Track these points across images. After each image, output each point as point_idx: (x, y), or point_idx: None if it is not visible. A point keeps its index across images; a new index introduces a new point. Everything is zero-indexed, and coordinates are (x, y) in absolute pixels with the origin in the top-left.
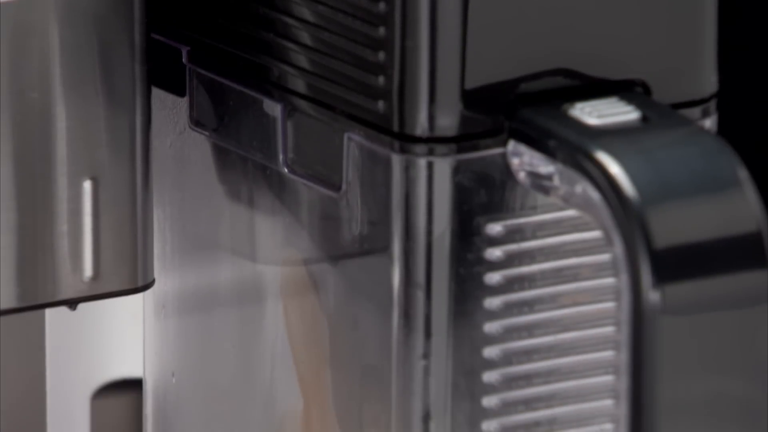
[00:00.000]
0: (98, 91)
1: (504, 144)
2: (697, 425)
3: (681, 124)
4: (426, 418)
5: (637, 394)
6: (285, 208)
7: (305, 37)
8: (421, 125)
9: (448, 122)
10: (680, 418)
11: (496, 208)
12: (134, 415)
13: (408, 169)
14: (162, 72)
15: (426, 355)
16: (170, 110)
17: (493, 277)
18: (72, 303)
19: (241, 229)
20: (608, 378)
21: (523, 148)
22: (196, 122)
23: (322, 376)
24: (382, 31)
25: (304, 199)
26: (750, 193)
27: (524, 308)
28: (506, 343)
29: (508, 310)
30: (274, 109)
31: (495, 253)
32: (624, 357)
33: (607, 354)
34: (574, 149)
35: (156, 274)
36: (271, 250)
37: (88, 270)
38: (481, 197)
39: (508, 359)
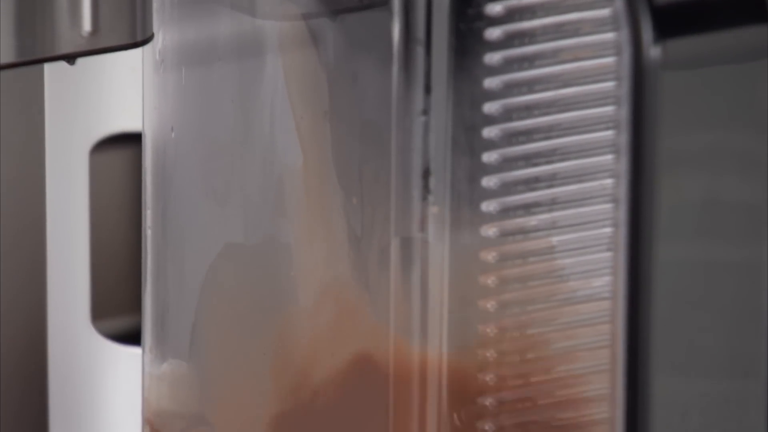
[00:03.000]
0: None
1: None
2: (696, 177)
3: None
4: (425, 174)
5: (637, 148)
6: None
7: None
8: None
9: None
10: (680, 170)
11: None
12: (133, 169)
13: None
14: None
15: (426, 111)
16: None
17: (494, 33)
18: (71, 57)
19: None
20: (609, 133)
21: None
22: None
23: (321, 132)
24: None
25: None
26: None
27: (524, 64)
28: (506, 98)
29: (508, 65)
30: None
31: (495, 8)
32: (625, 112)
33: (608, 109)
34: None
35: (155, 29)
36: (270, 4)
37: (86, 24)
38: None
39: (508, 115)
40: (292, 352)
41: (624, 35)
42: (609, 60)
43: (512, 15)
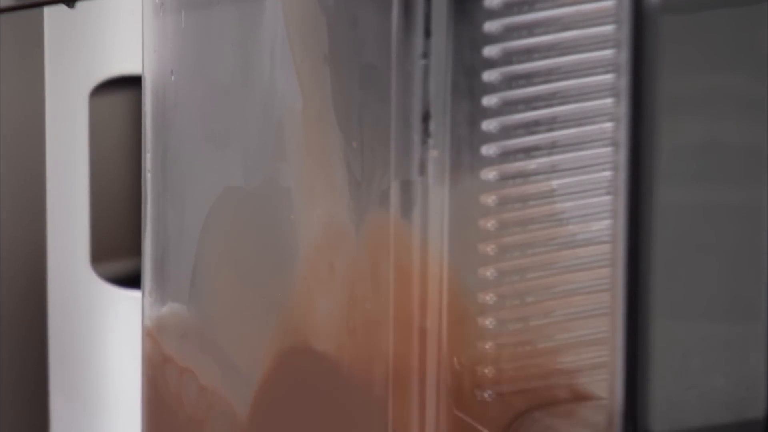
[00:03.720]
0: None
1: None
2: (696, 120)
3: None
4: (425, 117)
5: (637, 91)
6: None
7: None
8: None
9: None
10: (680, 113)
11: None
12: (133, 112)
13: None
14: None
15: (425, 54)
16: None
17: None
18: (70, 1)
19: None
20: (608, 77)
21: None
22: None
23: (320, 76)
24: None
25: None
26: None
27: (524, 7)
28: (506, 41)
29: (508, 8)
30: None
31: None
32: (624, 55)
33: (608, 53)
34: None
35: None
36: None
37: None
38: None
39: (508, 58)
40: (291, 295)
41: None
42: (609, 3)
43: None
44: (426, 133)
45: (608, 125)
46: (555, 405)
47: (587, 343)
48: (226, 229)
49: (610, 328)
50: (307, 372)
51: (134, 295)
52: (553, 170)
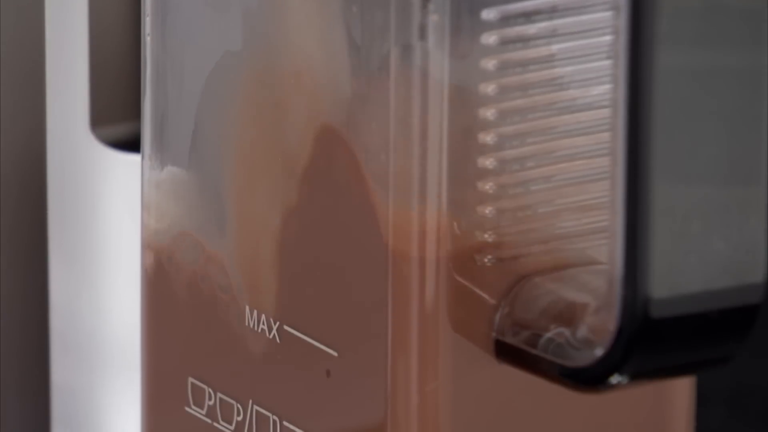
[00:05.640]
0: None
1: None
2: (697, 26)
3: None
4: (425, 1)
5: None
6: None
7: None
8: None
9: None
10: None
11: None
12: None
13: None
14: None
15: None
16: None
17: None
18: None
19: None
20: None
21: None
22: None
23: None
24: None
25: None
26: None
27: None
28: None
29: None
30: None
31: None
32: None
33: None
34: None
35: None
36: None
37: None
38: None
39: None
40: (292, 157)
41: None
42: None
43: None
44: None
45: (608, 38)
46: (555, 270)
47: (587, 207)
48: (225, 94)
49: (610, 192)
50: (308, 227)
51: (134, 159)
52: (553, 35)
